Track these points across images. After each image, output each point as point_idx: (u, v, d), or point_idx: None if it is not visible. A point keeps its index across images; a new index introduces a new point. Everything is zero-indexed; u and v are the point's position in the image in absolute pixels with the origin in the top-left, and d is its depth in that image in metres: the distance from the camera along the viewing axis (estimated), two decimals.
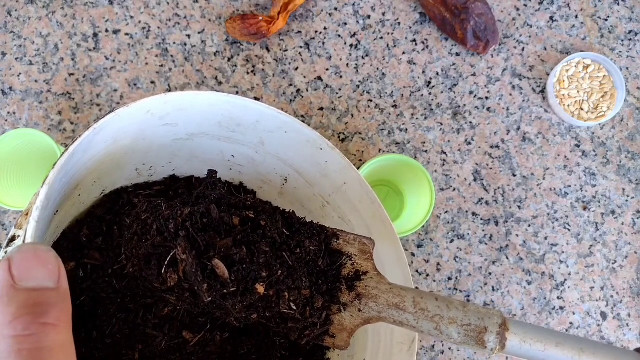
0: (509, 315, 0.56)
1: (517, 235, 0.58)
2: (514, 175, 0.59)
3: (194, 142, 0.38)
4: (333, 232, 0.35)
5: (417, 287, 0.57)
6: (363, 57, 0.60)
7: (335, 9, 0.61)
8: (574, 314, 0.56)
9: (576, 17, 0.61)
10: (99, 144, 0.31)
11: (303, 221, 0.35)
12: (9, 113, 0.58)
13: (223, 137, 0.38)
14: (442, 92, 0.60)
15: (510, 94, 0.60)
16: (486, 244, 0.57)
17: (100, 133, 0.29)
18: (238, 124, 0.36)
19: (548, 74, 0.60)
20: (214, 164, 0.41)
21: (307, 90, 0.59)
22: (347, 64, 0.60)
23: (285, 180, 0.41)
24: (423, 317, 0.31)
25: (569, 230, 0.58)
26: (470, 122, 0.59)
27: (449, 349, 0.56)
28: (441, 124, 0.59)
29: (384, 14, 0.61)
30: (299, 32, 0.60)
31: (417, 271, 0.57)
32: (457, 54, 0.60)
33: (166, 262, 0.29)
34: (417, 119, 0.59)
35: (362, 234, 0.38)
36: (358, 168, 0.56)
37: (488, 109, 0.60)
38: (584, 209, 0.58)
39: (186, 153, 0.39)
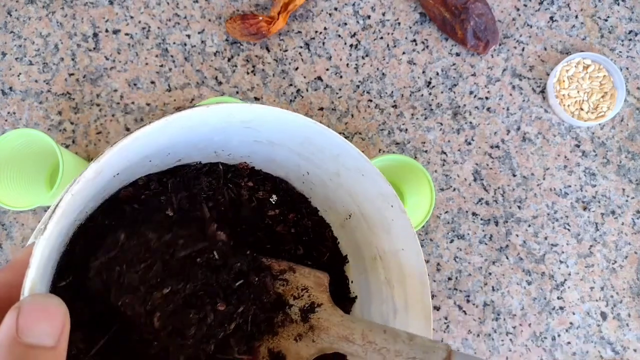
0: (511, 314, 0.56)
1: (517, 235, 0.58)
2: (514, 175, 0.59)
3: (273, 149, 0.40)
4: (289, 267, 0.37)
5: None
6: (363, 57, 0.60)
7: (335, 9, 0.61)
8: (574, 314, 0.56)
9: (576, 17, 0.61)
10: (172, 129, 0.33)
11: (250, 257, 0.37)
12: (9, 113, 0.58)
13: (302, 155, 0.40)
14: (442, 92, 0.60)
15: (510, 94, 0.60)
16: (486, 244, 0.57)
17: (173, 123, 0.31)
18: (319, 150, 0.38)
19: (548, 74, 0.60)
20: (290, 173, 0.43)
21: (307, 90, 0.59)
22: (347, 64, 0.60)
23: (350, 216, 0.42)
24: (371, 349, 0.32)
25: (569, 230, 0.58)
26: (470, 122, 0.59)
27: None
28: (441, 124, 0.59)
29: (384, 14, 0.61)
30: (299, 32, 0.60)
31: None
32: (457, 54, 0.60)
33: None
34: (417, 119, 0.59)
35: (399, 306, 0.39)
36: None
37: (488, 109, 0.60)
38: (584, 209, 0.58)
39: (265, 155, 0.41)
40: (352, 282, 0.44)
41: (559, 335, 0.56)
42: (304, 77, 0.60)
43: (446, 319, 0.56)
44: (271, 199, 0.44)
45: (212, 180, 0.44)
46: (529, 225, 0.58)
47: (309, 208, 0.44)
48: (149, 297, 0.34)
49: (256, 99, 0.59)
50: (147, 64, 0.59)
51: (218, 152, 0.41)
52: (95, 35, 0.60)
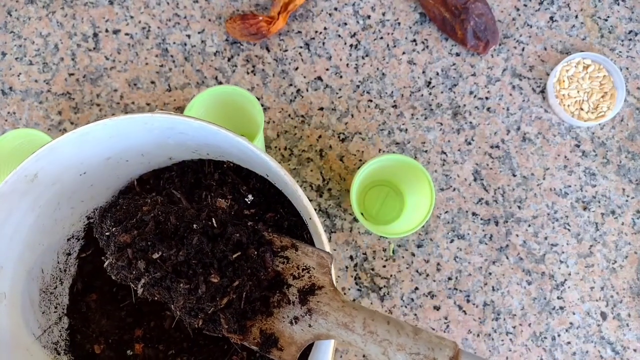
0: (511, 314, 0.56)
1: (517, 235, 0.58)
2: (514, 175, 0.59)
3: (223, 150, 0.42)
4: (292, 243, 0.35)
5: (416, 288, 0.57)
6: (363, 57, 0.60)
7: (335, 9, 0.61)
8: (574, 314, 0.56)
9: (576, 17, 0.61)
10: (115, 131, 0.37)
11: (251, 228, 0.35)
12: (9, 113, 0.58)
13: (243, 160, 0.42)
14: (442, 92, 0.60)
15: (510, 94, 0.60)
16: (486, 244, 0.57)
17: (115, 125, 0.35)
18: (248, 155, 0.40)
19: (548, 74, 0.60)
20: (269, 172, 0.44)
21: (307, 90, 0.59)
22: (347, 64, 0.60)
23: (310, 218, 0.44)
24: (371, 340, 0.30)
25: (569, 230, 0.58)
26: (470, 122, 0.59)
27: None
28: (441, 124, 0.59)
29: (384, 14, 0.61)
30: (299, 32, 0.60)
31: (417, 271, 0.57)
32: (457, 54, 0.60)
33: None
34: (417, 119, 0.59)
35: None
36: (358, 168, 0.56)
37: (488, 109, 0.60)
38: (584, 209, 0.58)
39: (233, 155, 0.43)
40: None
41: (559, 335, 0.56)
42: (304, 77, 0.60)
43: (446, 319, 0.56)
44: (246, 199, 0.43)
45: (199, 176, 0.45)
46: (529, 225, 0.58)
47: (287, 208, 0.44)
48: (135, 262, 0.31)
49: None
50: (147, 64, 0.59)
51: (195, 150, 0.42)
52: (95, 35, 0.60)
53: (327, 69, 0.60)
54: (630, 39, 0.61)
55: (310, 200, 0.57)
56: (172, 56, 0.59)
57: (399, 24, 0.61)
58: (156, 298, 0.32)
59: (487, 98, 0.60)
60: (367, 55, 0.60)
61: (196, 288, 0.31)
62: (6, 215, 0.35)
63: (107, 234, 0.32)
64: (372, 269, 0.56)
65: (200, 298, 0.31)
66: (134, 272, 0.31)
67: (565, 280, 0.57)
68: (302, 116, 0.59)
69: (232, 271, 0.32)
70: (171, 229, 0.32)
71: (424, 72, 0.60)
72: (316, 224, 0.34)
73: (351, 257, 0.57)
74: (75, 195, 0.40)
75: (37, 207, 0.38)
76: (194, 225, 0.32)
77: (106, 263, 0.32)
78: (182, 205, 0.34)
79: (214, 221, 0.32)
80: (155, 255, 0.30)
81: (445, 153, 0.59)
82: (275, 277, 0.34)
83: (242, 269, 0.32)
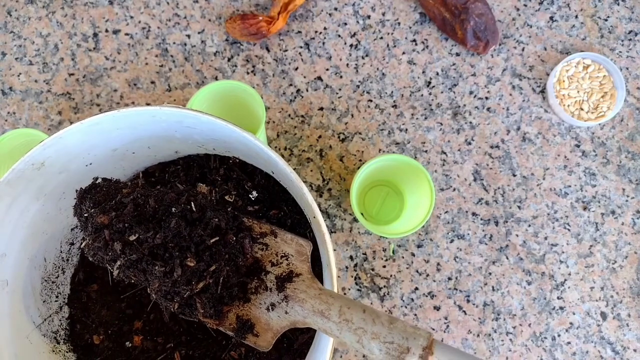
0: (511, 314, 0.56)
1: (517, 235, 0.58)
2: (514, 175, 0.59)
3: (229, 145, 0.42)
4: (271, 230, 0.35)
5: (416, 288, 0.57)
6: (363, 57, 0.60)
7: (335, 9, 0.61)
8: (574, 314, 0.56)
9: (576, 17, 0.61)
10: (122, 123, 0.36)
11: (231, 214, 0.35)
12: (9, 113, 0.58)
13: (249, 156, 0.42)
14: (442, 92, 0.60)
15: (510, 94, 0.60)
16: (486, 244, 0.57)
17: (123, 117, 0.35)
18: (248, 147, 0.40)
19: (548, 74, 0.60)
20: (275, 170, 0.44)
21: (307, 90, 0.59)
22: (347, 64, 0.60)
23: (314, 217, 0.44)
24: (346, 328, 0.30)
25: (569, 230, 0.58)
26: (470, 122, 0.59)
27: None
28: (441, 124, 0.59)
29: (384, 14, 0.61)
30: (299, 32, 0.60)
31: (417, 271, 0.57)
32: (457, 54, 0.60)
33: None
34: (417, 119, 0.59)
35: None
36: (358, 168, 0.56)
37: (488, 109, 0.60)
38: (584, 209, 0.58)
39: (239, 150, 0.43)
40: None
41: (559, 335, 0.56)
42: (304, 77, 0.60)
43: (446, 319, 0.56)
44: (251, 195, 0.43)
45: (205, 171, 0.45)
46: (529, 225, 0.58)
47: (290, 206, 0.44)
48: (111, 243, 0.31)
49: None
50: (147, 64, 0.59)
51: (201, 145, 0.43)
52: (95, 35, 0.60)
53: (327, 69, 0.60)
54: (630, 39, 0.61)
55: None
56: (172, 56, 0.60)
57: (399, 24, 0.61)
58: (132, 280, 0.32)
59: (487, 98, 0.60)
60: (367, 55, 0.60)
61: (172, 271, 0.31)
62: (11, 201, 0.35)
63: (85, 215, 0.33)
64: (372, 269, 0.56)
65: (175, 281, 0.31)
66: (110, 254, 0.31)
67: (565, 280, 0.57)
68: (302, 116, 0.59)
69: (210, 256, 0.32)
70: (150, 211, 0.32)
71: (424, 72, 0.60)
72: (320, 222, 0.34)
73: (351, 257, 0.57)
74: (81, 185, 0.41)
75: (43, 196, 0.38)
76: (173, 209, 0.32)
77: (83, 244, 0.32)
78: (163, 189, 0.34)
79: (192, 205, 0.33)
80: (132, 237, 0.31)
81: (445, 153, 0.59)
82: (254, 263, 0.34)
83: (220, 254, 0.32)
